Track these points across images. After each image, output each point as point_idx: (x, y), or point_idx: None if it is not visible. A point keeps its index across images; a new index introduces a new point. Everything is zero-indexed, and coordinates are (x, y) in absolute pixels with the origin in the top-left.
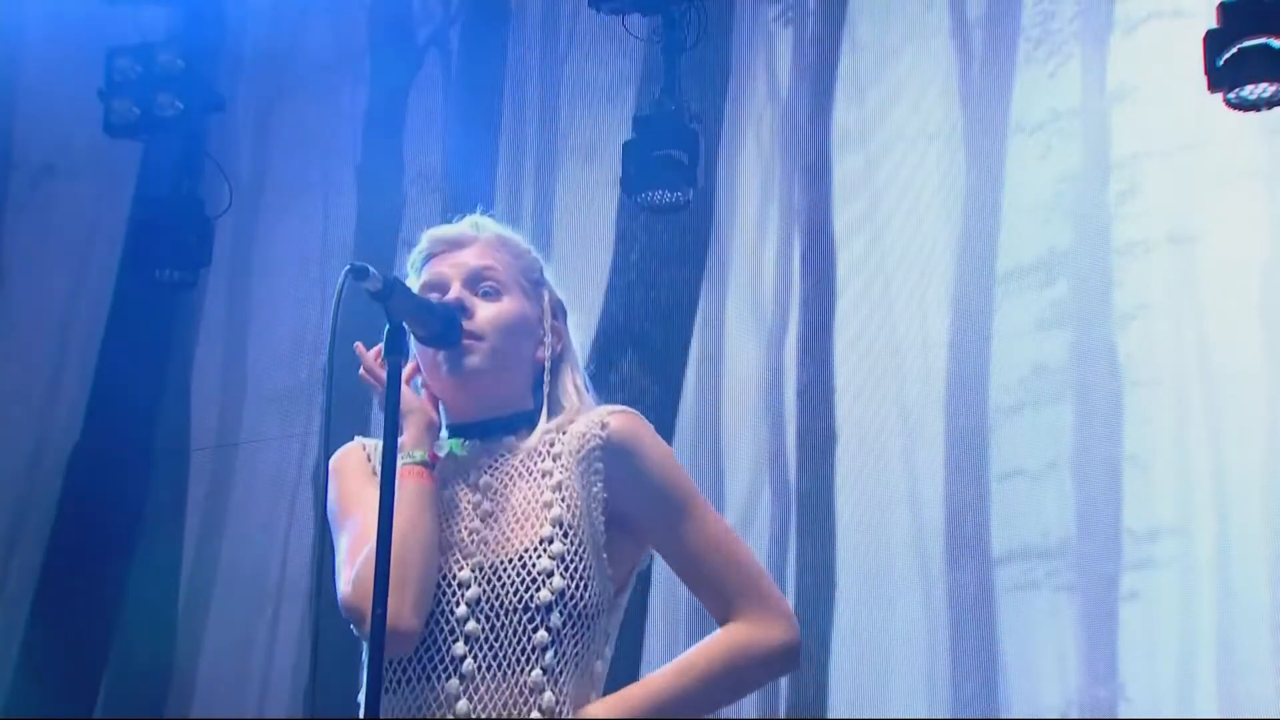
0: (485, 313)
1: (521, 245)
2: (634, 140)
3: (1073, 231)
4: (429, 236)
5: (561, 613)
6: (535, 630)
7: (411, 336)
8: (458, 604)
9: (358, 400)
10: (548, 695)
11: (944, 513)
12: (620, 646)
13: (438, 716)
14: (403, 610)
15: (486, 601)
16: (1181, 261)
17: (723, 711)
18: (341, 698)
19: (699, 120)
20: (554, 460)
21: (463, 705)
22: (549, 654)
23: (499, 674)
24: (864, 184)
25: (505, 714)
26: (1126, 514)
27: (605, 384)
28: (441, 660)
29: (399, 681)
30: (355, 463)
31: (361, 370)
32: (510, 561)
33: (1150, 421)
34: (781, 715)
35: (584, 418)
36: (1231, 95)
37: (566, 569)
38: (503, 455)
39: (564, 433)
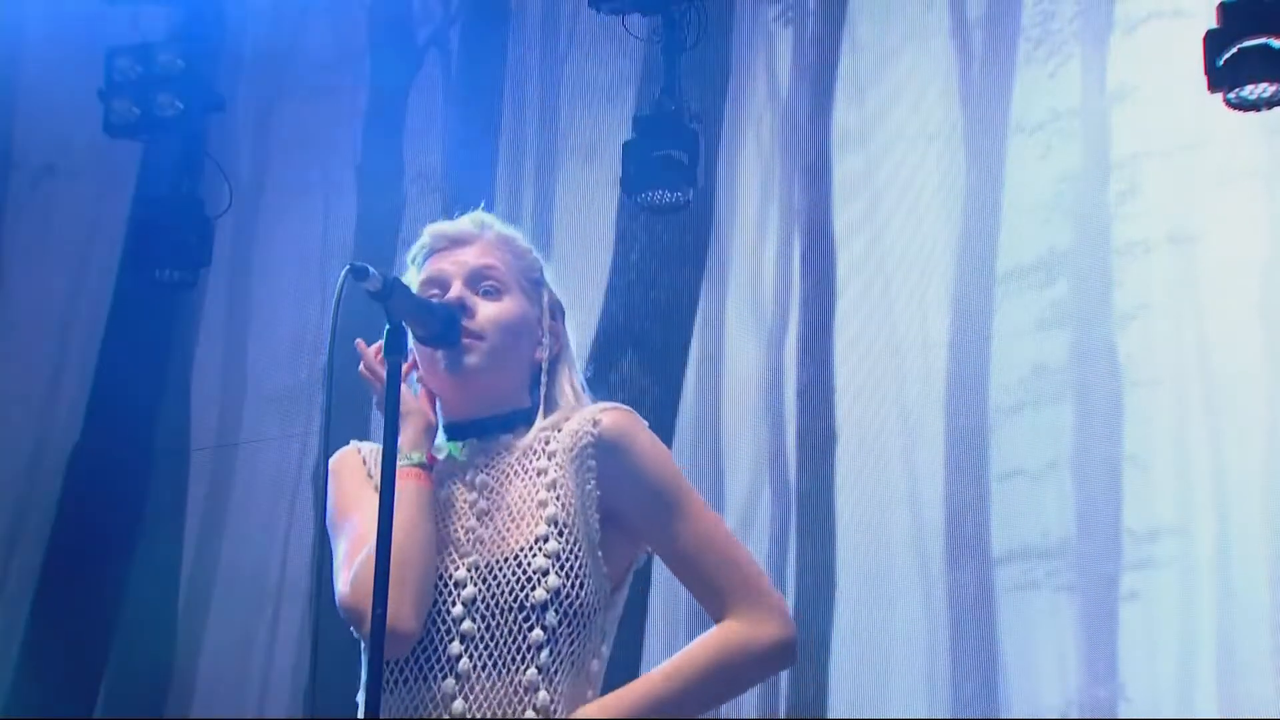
0: (486, 312)
1: (523, 245)
2: (634, 140)
3: (1073, 231)
4: (431, 231)
5: (557, 611)
6: (531, 629)
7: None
8: (454, 603)
9: (358, 400)
10: (543, 694)
11: (944, 513)
12: (619, 646)
13: (434, 716)
14: (402, 611)
15: (482, 601)
16: (1181, 261)
17: (723, 711)
18: (341, 698)
19: (699, 120)
20: (549, 458)
21: (458, 705)
22: (544, 653)
23: (494, 673)
24: (864, 184)
25: (501, 713)
26: (1126, 514)
27: (605, 384)
28: (437, 660)
29: (395, 681)
30: (352, 466)
31: (361, 367)
32: (505, 560)
33: (1150, 421)
34: (781, 715)
35: (578, 415)
36: (1231, 95)
37: (562, 567)
38: (499, 454)
39: (559, 430)
